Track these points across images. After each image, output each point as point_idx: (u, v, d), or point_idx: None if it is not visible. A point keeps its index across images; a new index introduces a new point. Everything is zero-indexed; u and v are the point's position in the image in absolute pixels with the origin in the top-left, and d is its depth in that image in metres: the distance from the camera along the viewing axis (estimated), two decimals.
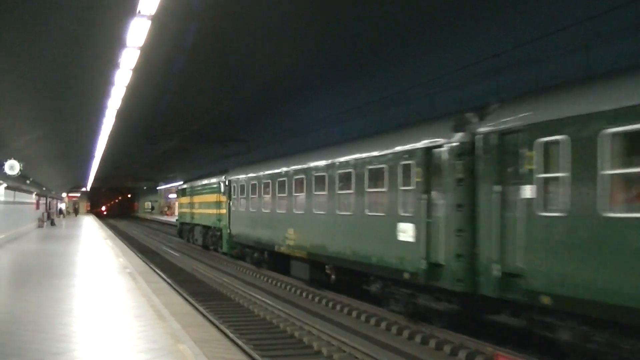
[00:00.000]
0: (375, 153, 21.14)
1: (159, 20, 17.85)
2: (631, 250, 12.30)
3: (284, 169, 29.39)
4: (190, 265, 38.80)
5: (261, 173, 32.75)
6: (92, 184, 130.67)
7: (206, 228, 48.91)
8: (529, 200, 14.66)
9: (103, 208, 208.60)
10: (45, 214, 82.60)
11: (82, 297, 20.61)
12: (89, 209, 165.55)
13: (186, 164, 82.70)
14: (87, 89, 29.69)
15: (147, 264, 36.81)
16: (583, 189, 13.31)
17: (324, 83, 31.00)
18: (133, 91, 29.67)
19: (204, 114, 41.69)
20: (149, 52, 21.96)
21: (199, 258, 44.17)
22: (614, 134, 12.72)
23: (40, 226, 74.38)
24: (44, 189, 72.52)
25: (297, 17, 21.58)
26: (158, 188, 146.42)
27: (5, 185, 41.08)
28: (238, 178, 37.52)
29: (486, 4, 20.25)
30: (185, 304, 21.84)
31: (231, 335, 18.10)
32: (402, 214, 19.30)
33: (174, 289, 26.96)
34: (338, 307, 23.36)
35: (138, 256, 41.19)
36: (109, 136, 47.80)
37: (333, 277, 24.83)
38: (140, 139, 57.33)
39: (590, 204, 13.10)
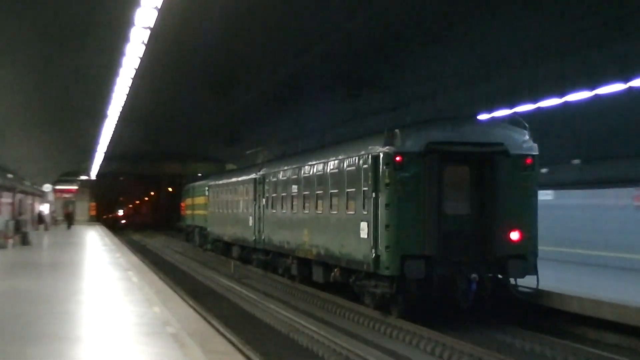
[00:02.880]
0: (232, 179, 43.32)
1: None
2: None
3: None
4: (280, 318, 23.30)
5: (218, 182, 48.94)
6: (102, 167, 79.26)
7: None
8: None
9: (121, 212, 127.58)
10: (12, 224, 48.00)
11: None
12: (95, 213, 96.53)
13: (283, 130, 52.61)
14: None
15: (204, 317, 21.10)
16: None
17: None
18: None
19: (314, 42, 28.76)
20: None
21: (283, 298, 28.39)
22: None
23: (1, 246, 42.09)
24: (11, 176, 49.63)
25: None
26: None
27: None
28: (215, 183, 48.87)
29: None
30: None
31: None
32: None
33: None
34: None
35: (186, 301, 23.94)
36: (137, 79, 29.77)
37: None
38: (195, 87, 37.37)
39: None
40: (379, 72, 32.60)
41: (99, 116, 38.61)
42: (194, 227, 59.78)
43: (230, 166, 71.45)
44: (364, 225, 21.89)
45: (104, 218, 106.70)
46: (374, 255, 20.85)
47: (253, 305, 26.26)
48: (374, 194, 21.09)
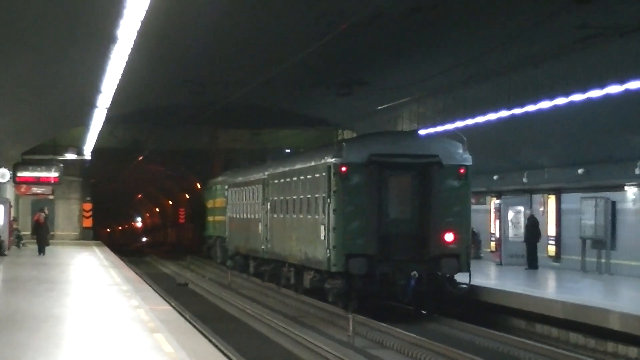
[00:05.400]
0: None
1: None
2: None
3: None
4: None
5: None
6: (104, 138, 45.25)
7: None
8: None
9: (140, 221, 78.38)
10: None
11: None
12: (90, 223, 55.33)
13: (442, 69, 28.85)
14: None
15: None
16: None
17: None
18: None
19: None
20: None
21: None
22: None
23: None
24: None
25: None
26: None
27: None
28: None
29: None
30: None
31: None
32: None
33: None
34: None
35: None
36: None
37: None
38: None
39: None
40: None
41: (102, 41, 17.90)
42: (215, 239, 47.26)
43: (345, 134, 46.97)
44: (322, 228, 24.75)
45: (107, 232, 64.58)
46: (327, 255, 23.72)
47: None
48: (328, 200, 23.97)
